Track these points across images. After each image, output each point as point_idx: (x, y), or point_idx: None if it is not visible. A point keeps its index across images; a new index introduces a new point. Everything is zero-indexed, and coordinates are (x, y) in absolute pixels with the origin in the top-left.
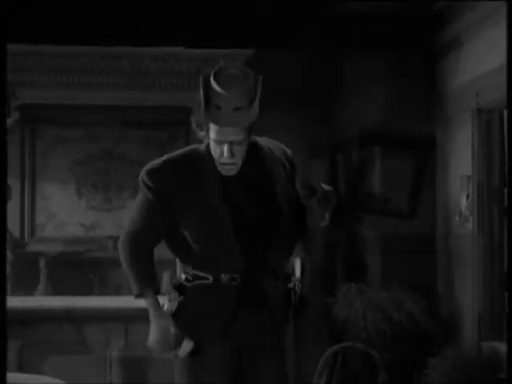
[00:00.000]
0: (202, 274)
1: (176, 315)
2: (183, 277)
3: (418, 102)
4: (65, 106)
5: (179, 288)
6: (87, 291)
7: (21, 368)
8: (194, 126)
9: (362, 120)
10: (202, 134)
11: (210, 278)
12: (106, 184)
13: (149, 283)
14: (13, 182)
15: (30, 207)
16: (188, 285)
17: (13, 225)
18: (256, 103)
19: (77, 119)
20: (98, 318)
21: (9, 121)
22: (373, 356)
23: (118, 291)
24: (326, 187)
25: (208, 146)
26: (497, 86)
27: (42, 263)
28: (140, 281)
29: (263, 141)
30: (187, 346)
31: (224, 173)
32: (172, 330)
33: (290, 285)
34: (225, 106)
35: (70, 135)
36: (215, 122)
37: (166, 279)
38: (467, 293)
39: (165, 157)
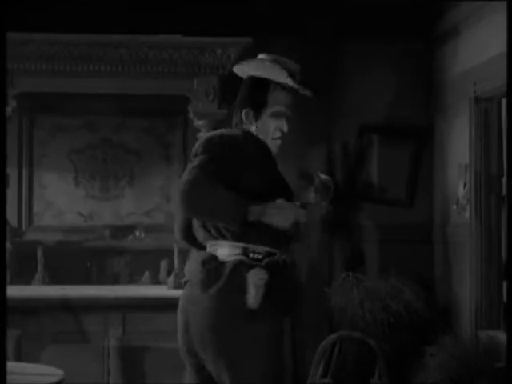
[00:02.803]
0: (271, 249)
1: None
2: (243, 256)
3: (415, 91)
4: (63, 94)
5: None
6: (85, 280)
7: (19, 357)
8: (191, 114)
9: (359, 109)
10: (199, 122)
11: (278, 253)
12: (104, 173)
13: (245, 199)
14: (10, 171)
15: (28, 196)
16: (261, 264)
17: (10, 214)
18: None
19: (74, 108)
20: (96, 307)
21: (7, 109)
22: (370, 345)
23: (115, 280)
24: (323, 176)
25: (246, 131)
26: (494, 74)
27: (39, 252)
28: (236, 200)
29: None
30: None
31: (273, 149)
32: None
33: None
34: (294, 79)
35: (67, 124)
36: (291, 91)
37: (163, 268)
38: (464, 282)
39: (221, 131)
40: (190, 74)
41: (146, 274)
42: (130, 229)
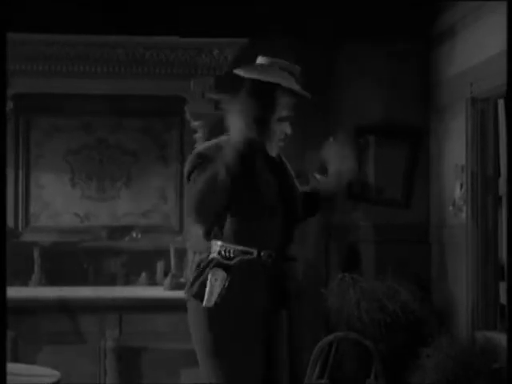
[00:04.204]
0: (246, 249)
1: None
2: (217, 255)
3: (412, 92)
4: (59, 95)
5: (221, 266)
6: (81, 281)
7: (15, 358)
8: (188, 115)
9: (356, 110)
10: (195, 123)
11: (255, 252)
12: (101, 174)
13: None
14: (7, 172)
15: (25, 197)
16: (231, 262)
17: (7, 214)
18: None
19: (71, 108)
20: (93, 308)
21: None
22: (367, 345)
23: (112, 281)
24: (319, 177)
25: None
26: (491, 75)
27: (36, 253)
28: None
29: None
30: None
31: (276, 150)
32: None
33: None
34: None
35: (64, 124)
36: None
37: (160, 268)
38: (461, 282)
39: (210, 142)
40: (187, 74)
41: (143, 274)
42: (126, 229)
